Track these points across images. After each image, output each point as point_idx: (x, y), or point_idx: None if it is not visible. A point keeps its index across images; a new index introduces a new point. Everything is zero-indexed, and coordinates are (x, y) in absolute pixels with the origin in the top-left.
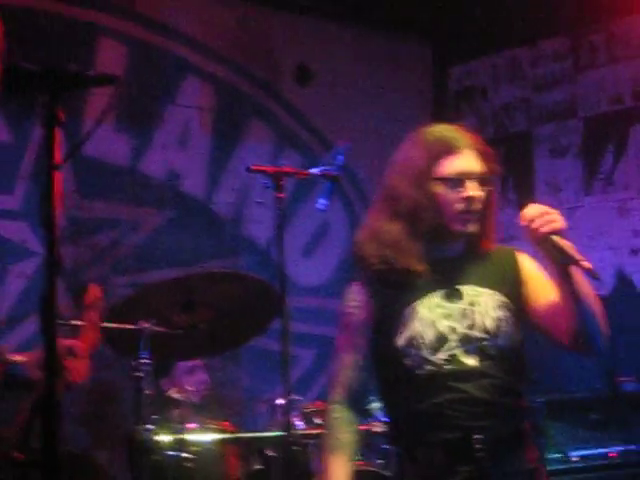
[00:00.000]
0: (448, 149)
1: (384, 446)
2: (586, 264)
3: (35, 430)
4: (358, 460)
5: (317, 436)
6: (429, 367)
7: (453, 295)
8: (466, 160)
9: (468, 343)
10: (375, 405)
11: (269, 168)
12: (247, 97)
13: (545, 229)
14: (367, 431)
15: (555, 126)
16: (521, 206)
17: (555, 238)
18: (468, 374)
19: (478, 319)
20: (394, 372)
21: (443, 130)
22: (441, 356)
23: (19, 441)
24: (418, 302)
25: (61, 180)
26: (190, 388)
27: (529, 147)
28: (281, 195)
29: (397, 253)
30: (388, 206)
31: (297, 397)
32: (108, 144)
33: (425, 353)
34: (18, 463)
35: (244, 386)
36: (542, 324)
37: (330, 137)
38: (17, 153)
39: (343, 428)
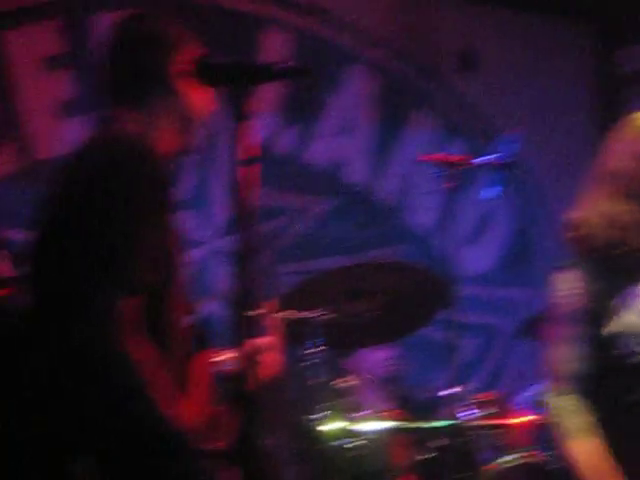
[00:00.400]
0: None
1: None
2: None
3: (224, 422)
4: (528, 452)
5: (486, 427)
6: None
7: None
8: None
9: None
10: None
11: (438, 157)
12: (411, 84)
13: None
14: (540, 422)
15: None
16: None
17: None
18: None
19: None
20: (602, 361)
21: None
22: None
23: (209, 432)
24: (633, 289)
25: (257, 172)
26: (368, 376)
27: None
28: (450, 184)
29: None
30: (617, 188)
31: (466, 387)
32: (274, 133)
33: (634, 343)
34: (209, 454)
35: (408, 375)
36: None
37: (494, 124)
38: None
39: (577, 414)
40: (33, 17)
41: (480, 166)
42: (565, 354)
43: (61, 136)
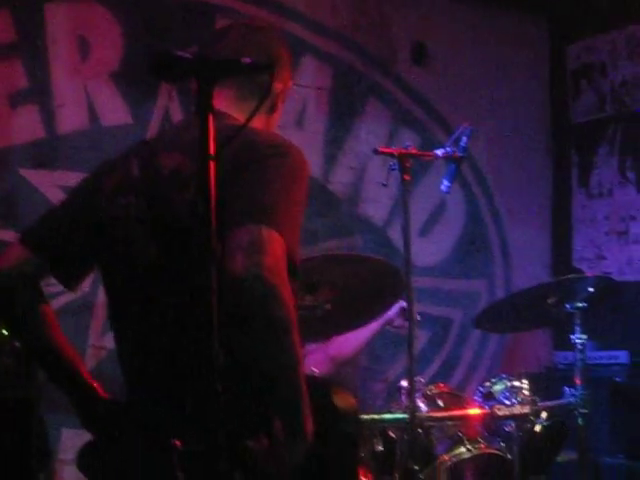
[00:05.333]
0: None
1: (507, 429)
2: None
3: None
4: (480, 444)
5: (440, 419)
6: None
7: None
8: None
9: None
10: (498, 387)
11: (395, 150)
12: (364, 76)
13: None
14: (490, 414)
15: None
16: None
17: None
18: None
19: None
20: None
21: None
22: None
23: None
24: None
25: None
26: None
27: None
28: (407, 177)
29: None
30: None
31: (420, 379)
32: None
33: None
34: None
35: (361, 365)
36: None
37: (446, 117)
38: (137, 135)
39: None
40: None
41: (435, 159)
42: None
43: (10, 126)
